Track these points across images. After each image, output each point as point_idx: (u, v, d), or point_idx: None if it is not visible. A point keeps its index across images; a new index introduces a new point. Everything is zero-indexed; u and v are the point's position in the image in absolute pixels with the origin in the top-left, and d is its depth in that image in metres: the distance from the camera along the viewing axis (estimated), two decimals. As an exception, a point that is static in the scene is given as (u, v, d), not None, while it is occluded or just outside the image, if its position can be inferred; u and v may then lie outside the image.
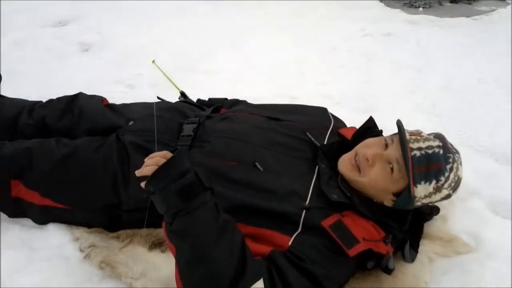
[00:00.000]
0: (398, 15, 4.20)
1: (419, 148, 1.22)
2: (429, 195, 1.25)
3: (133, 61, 3.02)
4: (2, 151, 1.51)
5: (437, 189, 1.24)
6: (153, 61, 1.96)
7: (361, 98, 2.51)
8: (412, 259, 1.32)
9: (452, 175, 1.23)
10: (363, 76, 2.86)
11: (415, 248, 1.35)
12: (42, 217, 1.49)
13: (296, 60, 3.12)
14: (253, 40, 3.48)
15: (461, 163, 1.28)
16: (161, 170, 1.04)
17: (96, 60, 3.08)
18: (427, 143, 1.23)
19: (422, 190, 1.23)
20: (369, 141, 1.35)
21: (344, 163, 1.35)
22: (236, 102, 1.91)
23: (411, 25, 3.88)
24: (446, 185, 1.24)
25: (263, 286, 1.04)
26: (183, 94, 1.97)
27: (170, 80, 1.97)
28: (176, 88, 1.97)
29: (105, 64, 3.00)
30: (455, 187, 1.27)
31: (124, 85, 2.70)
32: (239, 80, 2.76)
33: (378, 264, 1.26)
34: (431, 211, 1.48)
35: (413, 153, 1.21)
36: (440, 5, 4.61)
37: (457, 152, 1.29)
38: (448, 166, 1.22)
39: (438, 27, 3.85)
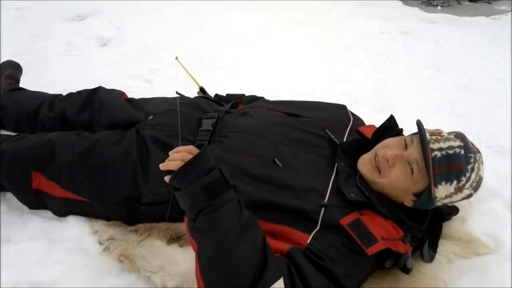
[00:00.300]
0: (416, 13, 4.17)
1: (440, 149, 1.21)
2: (450, 195, 1.23)
3: (151, 56, 3.04)
4: (24, 143, 1.54)
5: (458, 189, 1.22)
6: (176, 58, 1.96)
7: (378, 97, 2.50)
8: (431, 259, 1.32)
9: (473, 175, 1.22)
10: (381, 74, 2.84)
11: (433, 248, 1.34)
12: (62, 209, 1.51)
13: (314, 57, 3.11)
14: (270, 37, 3.48)
15: (482, 163, 1.26)
16: (188, 166, 1.02)
17: (114, 54, 3.09)
18: (448, 143, 1.22)
19: (443, 191, 1.22)
20: (389, 141, 1.33)
21: (364, 164, 1.34)
22: (253, 99, 1.91)
23: (429, 24, 3.85)
24: (467, 185, 1.22)
25: (283, 285, 1.04)
26: (202, 89, 1.98)
27: (192, 77, 1.97)
28: (196, 84, 1.97)
29: (123, 58, 3.01)
30: (476, 187, 1.25)
31: (142, 79, 2.71)
32: (256, 76, 2.75)
33: (396, 263, 1.26)
34: (450, 211, 1.46)
35: (433, 153, 1.20)
36: (459, 4, 4.57)
37: (478, 151, 1.26)
38: (469, 166, 1.21)
39: (457, 26, 3.81)
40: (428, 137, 1.23)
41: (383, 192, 1.30)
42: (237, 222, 1.05)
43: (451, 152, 1.20)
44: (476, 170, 1.22)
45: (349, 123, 1.57)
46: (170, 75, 2.72)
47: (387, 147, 1.31)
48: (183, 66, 1.96)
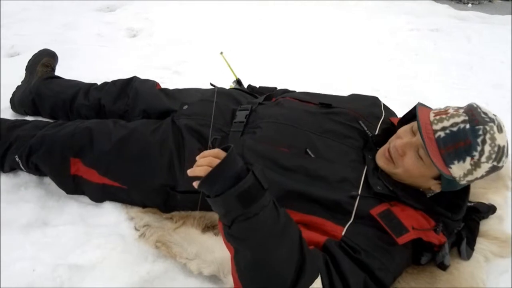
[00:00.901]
0: (446, 10, 4.12)
1: (443, 128, 1.17)
2: (470, 172, 1.18)
3: (179, 48, 3.07)
4: (63, 130, 1.57)
5: (476, 165, 1.16)
6: (221, 53, 1.96)
7: (409, 93, 2.47)
8: (468, 256, 1.30)
9: (487, 147, 1.15)
10: (411, 71, 2.82)
11: (471, 245, 1.32)
12: (99, 195, 1.54)
13: (342, 52, 3.10)
14: (296, 32, 3.47)
15: (499, 130, 1.17)
16: (215, 172, 0.98)
17: (143, 46, 3.12)
18: (451, 121, 1.17)
19: (458, 170, 1.17)
20: (401, 130, 1.32)
21: (379, 157, 1.33)
22: (286, 91, 1.91)
23: (460, 21, 3.80)
24: (483, 159, 1.15)
25: (320, 281, 1.04)
26: (239, 81, 1.98)
27: (232, 70, 1.97)
28: (234, 76, 1.97)
29: (152, 50, 3.04)
30: (497, 157, 1.17)
31: (171, 71, 2.73)
32: (283, 71, 2.76)
33: (433, 259, 1.25)
34: (488, 209, 1.45)
35: (437, 134, 1.17)
36: (490, 1, 4.48)
37: (491, 121, 1.17)
38: (478, 140, 1.14)
39: (488, 24, 3.75)
40: (432, 117, 1.20)
41: (405, 182, 1.29)
42: (274, 227, 1.02)
43: (454, 129, 1.16)
44: (489, 141, 1.15)
45: (382, 116, 1.55)
46: (199, 67, 2.75)
47: (398, 137, 1.30)
48: (225, 60, 1.96)
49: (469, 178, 1.20)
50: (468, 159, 1.16)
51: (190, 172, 1.03)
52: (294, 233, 1.06)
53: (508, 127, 2.10)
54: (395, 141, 1.29)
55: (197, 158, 1.05)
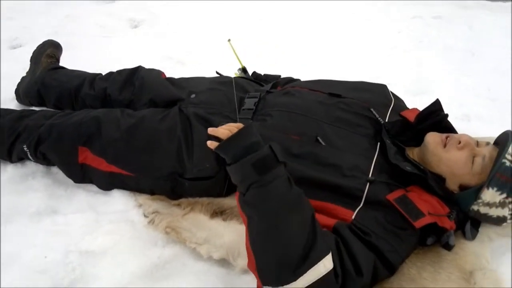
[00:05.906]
0: (447, -2, 4.11)
1: None
2: (492, 204, 1.26)
3: (181, 38, 3.07)
4: (71, 119, 1.59)
5: (502, 204, 1.25)
6: (229, 40, 1.97)
7: (413, 81, 2.49)
8: (473, 236, 1.32)
9: None
10: (414, 59, 2.83)
11: (476, 227, 1.34)
12: (107, 183, 1.56)
13: (346, 41, 3.11)
14: (299, 20, 3.47)
15: None
16: (234, 138, 1.08)
17: (145, 36, 3.12)
18: None
19: (489, 196, 1.24)
20: (467, 135, 1.35)
21: (434, 136, 1.35)
22: (290, 80, 1.92)
23: (462, 9, 3.79)
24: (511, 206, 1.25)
25: (331, 260, 1.06)
26: (244, 69, 1.98)
27: (238, 58, 1.98)
28: (240, 64, 1.98)
29: (154, 40, 3.04)
30: None
31: (174, 61, 2.73)
32: (285, 60, 2.77)
33: (438, 240, 1.28)
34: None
35: (503, 160, 1.23)
36: (491, -12, 4.46)
37: None
38: None
39: (490, 11, 3.75)
40: (511, 150, 1.24)
41: (434, 168, 1.32)
42: (286, 197, 1.07)
43: None
44: None
45: (391, 104, 1.56)
46: (202, 57, 2.75)
47: (464, 135, 1.33)
48: (232, 48, 1.96)
49: (484, 209, 1.28)
50: (504, 195, 1.24)
51: (211, 130, 1.13)
52: (306, 209, 1.10)
53: (509, 112, 2.16)
54: (460, 134, 1.34)
55: (219, 127, 1.14)
